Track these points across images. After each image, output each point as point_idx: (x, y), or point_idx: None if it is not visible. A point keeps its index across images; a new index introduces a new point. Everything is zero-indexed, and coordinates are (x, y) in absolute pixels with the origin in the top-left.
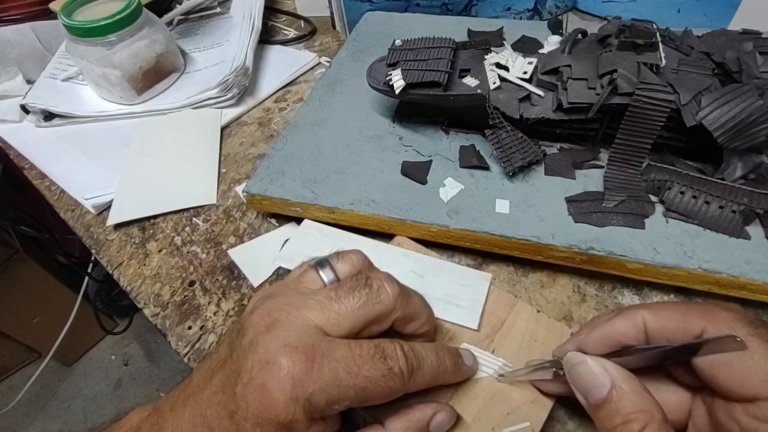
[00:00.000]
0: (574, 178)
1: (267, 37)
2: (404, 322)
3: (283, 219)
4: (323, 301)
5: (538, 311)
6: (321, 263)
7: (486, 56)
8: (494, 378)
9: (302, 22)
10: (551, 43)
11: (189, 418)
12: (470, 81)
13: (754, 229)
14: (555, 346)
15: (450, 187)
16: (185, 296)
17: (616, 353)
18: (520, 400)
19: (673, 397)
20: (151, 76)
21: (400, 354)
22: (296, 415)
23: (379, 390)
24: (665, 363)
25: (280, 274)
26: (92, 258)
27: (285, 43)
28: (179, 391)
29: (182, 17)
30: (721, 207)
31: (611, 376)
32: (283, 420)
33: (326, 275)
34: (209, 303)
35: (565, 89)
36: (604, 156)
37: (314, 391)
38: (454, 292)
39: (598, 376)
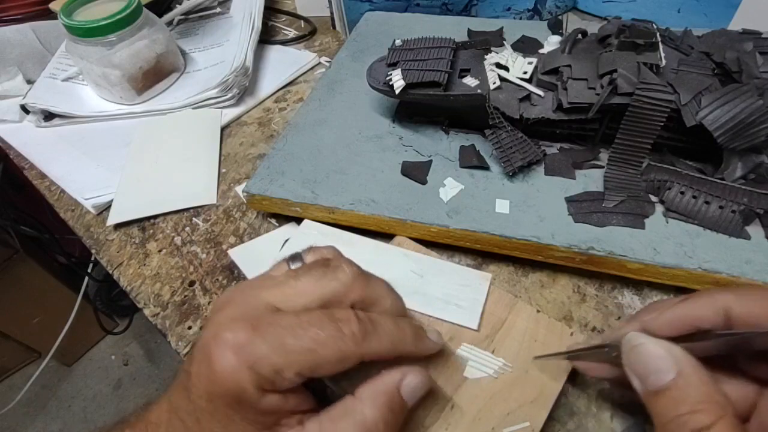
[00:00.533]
0: (574, 178)
1: (267, 37)
2: (365, 305)
3: (283, 219)
4: (281, 280)
5: (538, 311)
6: (293, 257)
7: (486, 56)
8: (530, 360)
9: (302, 22)
10: (551, 43)
11: (166, 406)
12: (470, 81)
13: (754, 229)
14: (555, 347)
15: (450, 187)
16: (185, 296)
17: (685, 338)
18: (520, 400)
19: (737, 389)
20: (151, 76)
21: (351, 316)
22: (242, 385)
23: (329, 352)
24: (737, 352)
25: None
26: (92, 258)
27: (285, 43)
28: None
29: (182, 17)
30: (721, 207)
31: (677, 362)
32: (231, 392)
33: (294, 265)
34: (209, 303)
35: (565, 89)
36: (604, 156)
37: (258, 358)
38: (454, 292)
39: (662, 360)
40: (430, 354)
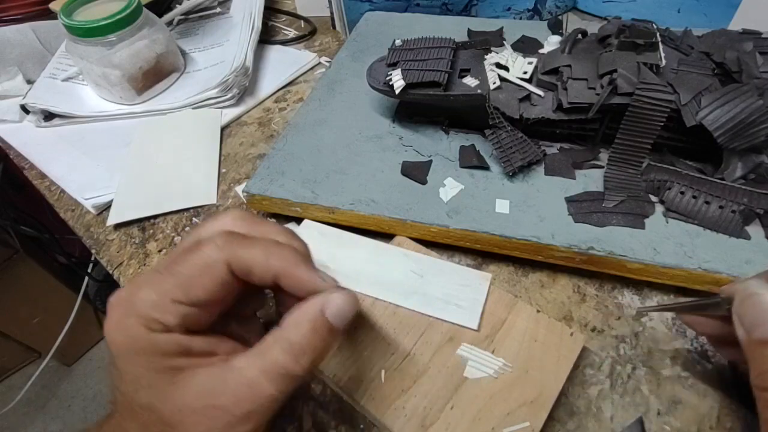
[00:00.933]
0: (574, 178)
1: (267, 37)
2: (243, 272)
3: (283, 219)
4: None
5: (538, 311)
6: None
7: (486, 56)
8: (633, 312)
9: (302, 22)
10: (551, 43)
11: (112, 387)
12: (470, 81)
13: (754, 229)
14: (555, 347)
15: (450, 187)
16: None
17: None
18: (520, 400)
19: None
20: (151, 76)
21: (223, 232)
22: (131, 332)
23: (189, 266)
24: None
25: None
26: (92, 258)
27: (285, 43)
28: None
29: (182, 17)
30: (721, 207)
31: None
32: (126, 345)
33: None
34: None
35: (565, 89)
36: (604, 156)
37: (137, 303)
38: (454, 292)
39: None
40: (324, 289)
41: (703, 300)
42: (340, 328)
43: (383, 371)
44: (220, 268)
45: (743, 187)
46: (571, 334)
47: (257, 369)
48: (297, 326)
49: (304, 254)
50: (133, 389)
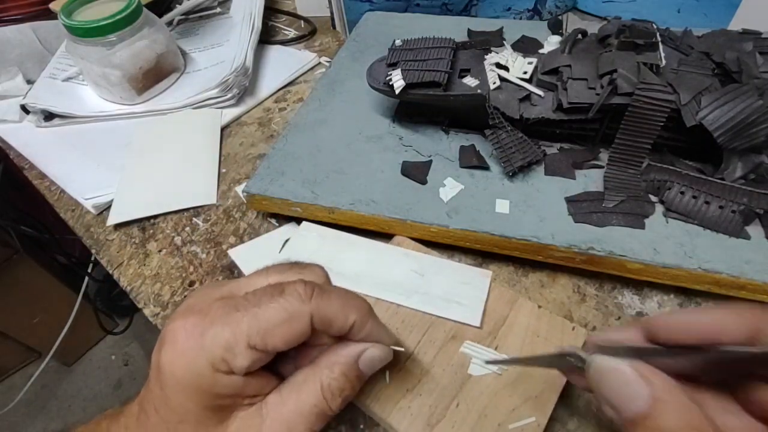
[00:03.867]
0: (574, 178)
1: (267, 37)
2: (323, 325)
3: (283, 219)
4: (241, 278)
5: (539, 307)
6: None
7: (486, 56)
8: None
9: (302, 22)
10: (551, 43)
11: (138, 400)
12: (470, 81)
13: (754, 229)
14: (557, 342)
15: (450, 187)
16: (185, 296)
17: (678, 351)
18: (524, 396)
19: (740, 427)
20: (151, 76)
21: (298, 281)
22: (196, 369)
23: (273, 314)
24: (750, 373)
25: None
26: (92, 258)
27: (285, 43)
28: None
29: (182, 17)
30: (721, 207)
31: (653, 387)
32: (184, 378)
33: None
34: None
35: (565, 89)
36: (604, 156)
37: (208, 339)
38: (456, 290)
39: (634, 386)
40: (387, 343)
41: (553, 354)
42: (367, 376)
43: (387, 371)
44: (304, 321)
45: (743, 187)
46: (573, 329)
47: (292, 409)
48: (330, 368)
49: (371, 307)
50: (177, 419)
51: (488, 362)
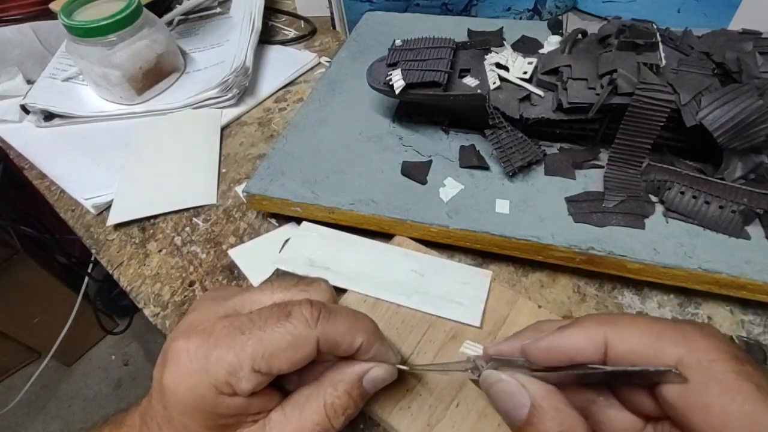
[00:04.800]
0: (574, 178)
1: (267, 37)
2: (329, 347)
3: (283, 219)
4: (244, 290)
5: (539, 307)
6: (279, 273)
7: (486, 56)
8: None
9: (302, 22)
10: (551, 43)
11: (140, 412)
12: (470, 81)
13: (754, 229)
14: None
15: (450, 187)
16: (185, 296)
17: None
18: None
19: (622, 419)
20: (151, 76)
21: (304, 302)
22: (199, 392)
23: (279, 339)
24: (615, 384)
25: (280, 274)
26: (92, 258)
27: (285, 43)
28: None
29: (182, 17)
30: (721, 207)
31: (531, 394)
32: (186, 399)
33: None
34: None
35: (565, 89)
36: (604, 156)
37: (212, 361)
38: (456, 290)
39: (517, 395)
40: (391, 363)
41: (460, 362)
42: (370, 394)
43: None
44: (310, 345)
45: (743, 187)
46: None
47: (295, 428)
48: (334, 386)
49: (377, 326)
50: None
51: (399, 367)
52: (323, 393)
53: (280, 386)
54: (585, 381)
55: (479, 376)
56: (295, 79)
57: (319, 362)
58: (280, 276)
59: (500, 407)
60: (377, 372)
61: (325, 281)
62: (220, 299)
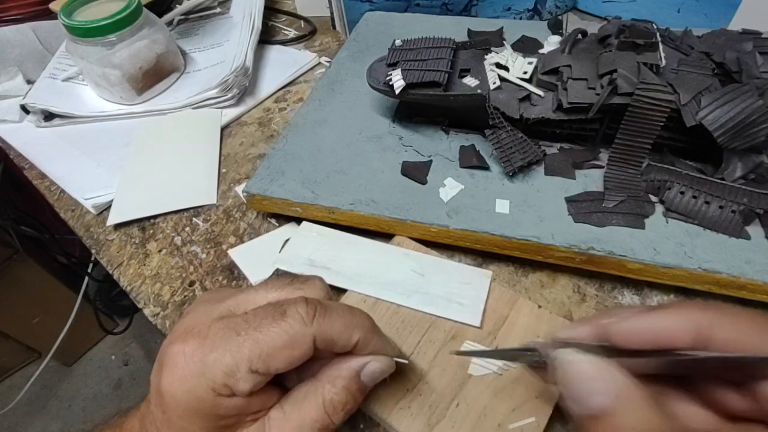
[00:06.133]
0: (574, 178)
1: (267, 37)
2: (326, 344)
3: (283, 219)
4: (240, 291)
5: (540, 307)
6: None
7: (486, 56)
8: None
9: (302, 22)
10: (551, 43)
11: (139, 417)
12: (470, 81)
13: (754, 229)
14: None
15: (450, 187)
16: (185, 296)
17: (636, 353)
18: (524, 396)
19: (695, 415)
20: (151, 76)
21: (300, 300)
22: (197, 395)
23: (275, 338)
24: (700, 375)
25: (280, 274)
26: (92, 258)
27: (285, 43)
28: None
29: (182, 17)
30: (721, 207)
31: (615, 384)
32: (184, 402)
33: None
34: None
35: (565, 89)
36: (604, 156)
37: (208, 364)
38: (456, 290)
39: (598, 381)
40: (390, 355)
41: (518, 349)
42: (369, 388)
43: None
44: (307, 343)
45: (743, 187)
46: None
47: (294, 425)
48: (332, 383)
49: (374, 322)
50: None
51: (458, 354)
52: (321, 390)
53: (279, 383)
54: (666, 370)
55: (541, 360)
56: (295, 79)
57: (318, 359)
58: (276, 276)
59: (573, 391)
60: (375, 366)
61: (320, 279)
62: (215, 301)
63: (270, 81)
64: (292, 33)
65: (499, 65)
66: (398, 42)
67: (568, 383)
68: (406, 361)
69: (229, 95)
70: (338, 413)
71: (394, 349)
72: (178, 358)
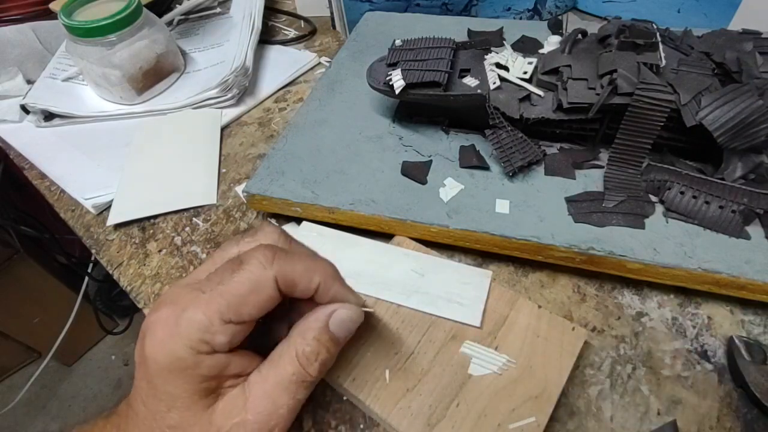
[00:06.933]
0: (574, 178)
1: (267, 37)
2: (287, 287)
3: (283, 219)
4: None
5: (540, 307)
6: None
7: (486, 56)
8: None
9: (302, 22)
10: (551, 43)
11: (127, 399)
12: (470, 81)
13: (754, 229)
14: (557, 342)
15: (450, 187)
16: None
17: None
18: (525, 396)
19: None
20: (151, 76)
21: (259, 247)
22: (176, 354)
23: (240, 285)
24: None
25: None
26: (92, 258)
27: (285, 43)
28: None
29: (182, 17)
30: (721, 207)
31: None
32: (166, 365)
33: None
34: None
35: (565, 89)
36: (604, 156)
37: (183, 323)
38: (456, 290)
39: None
40: (355, 303)
41: None
42: (342, 338)
43: (387, 371)
44: (270, 285)
45: (743, 187)
46: (573, 329)
47: (273, 383)
48: (302, 336)
49: (336, 269)
50: (166, 408)
51: (364, 309)
52: (294, 345)
53: (259, 351)
54: None
55: None
56: (295, 79)
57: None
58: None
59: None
60: (341, 313)
61: (271, 224)
62: (183, 281)
63: (270, 81)
64: (292, 33)
65: (499, 65)
66: (398, 42)
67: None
68: (372, 310)
69: (229, 95)
70: (312, 364)
71: (358, 298)
72: (155, 325)
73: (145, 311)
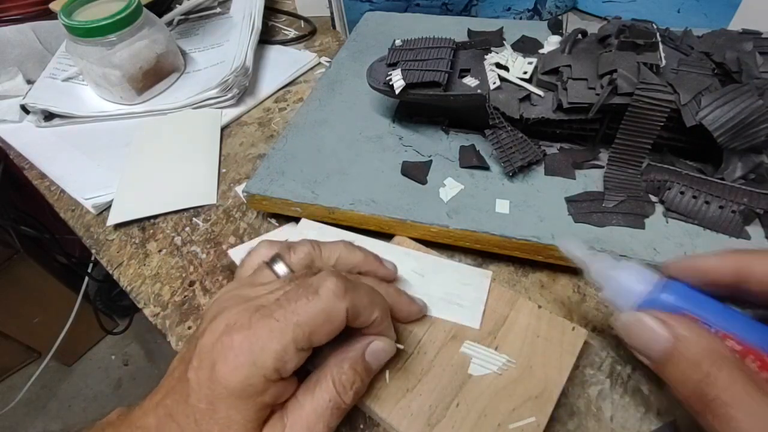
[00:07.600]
0: (574, 178)
1: (267, 37)
2: (351, 318)
3: (283, 219)
4: (271, 288)
5: (540, 307)
6: (273, 259)
7: (486, 56)
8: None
9: (302, 22)
10: (551, 43)
11: (153, 407)
12: (470, 81)
13: (754, 229)
14: (557, 342)
15: (450, 187)
16: (185, 296)
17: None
18: (525, 396)
19: None
20: (151, 76)
21: (329, 275)
22: (250, 381)
23: (313, 315)
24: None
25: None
26: (92, 258)
27: (285, 43)
28: (150, 394)
29: (182, 17)
30: (721, 207)
31: (670, 327)
32: (236, 391)
33: (280, 269)
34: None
35: (565, 89)
36: (604, 156)
37: (258, 352)
38: (456, 291)
39: (654, 330)
40: (417, 317)
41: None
42: (375, 369)
43: (387, 371)
44: (342, 317)
45: (743, 187)
46: (573, 329)
47: (309, 409)
48: (339, 365)
49: (398, 289)
50: (215, 428)
51: (397, 345)
52: (330, 373)
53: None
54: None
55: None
56: (295, 79)
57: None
58: (286, 270)
59: (638, 345)
60: (378, 345)
61: (308, 242)
62: (245, 295)
63: (270, 81)
64: (292, 33)
65: (499, 65)
66: (398, 42)
67: (632, 339)
68: (402, 347)
69: (229, 95)
70: (348, 392)
71: (394, 335)
72: (227, 352)
73: (146, 311)
